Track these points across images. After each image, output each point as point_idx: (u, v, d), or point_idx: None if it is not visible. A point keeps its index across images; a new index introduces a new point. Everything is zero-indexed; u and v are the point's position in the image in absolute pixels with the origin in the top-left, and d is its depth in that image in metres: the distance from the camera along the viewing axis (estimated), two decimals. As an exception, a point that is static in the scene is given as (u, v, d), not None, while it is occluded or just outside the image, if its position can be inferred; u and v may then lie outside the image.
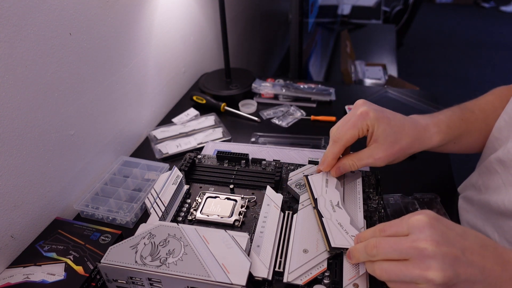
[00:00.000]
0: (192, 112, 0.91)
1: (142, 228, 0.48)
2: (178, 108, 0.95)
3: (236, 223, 0.53)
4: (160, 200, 0.54)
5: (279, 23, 2.07)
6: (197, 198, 0.58)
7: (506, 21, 3.80)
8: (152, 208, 0.52)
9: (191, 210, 0.56)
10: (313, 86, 0.94)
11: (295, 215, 0.52)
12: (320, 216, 0.49)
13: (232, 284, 0.40)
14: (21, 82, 0.51)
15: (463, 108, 0.56)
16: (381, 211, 0.54)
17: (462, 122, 0.54)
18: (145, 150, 0.81)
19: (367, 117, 0.48)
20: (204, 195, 0.58)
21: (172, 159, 0.76)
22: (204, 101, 0.92)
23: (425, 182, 0.67)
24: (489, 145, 0.56)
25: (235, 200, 0.56)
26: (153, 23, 0.82)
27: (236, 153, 0.65)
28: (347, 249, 0.45)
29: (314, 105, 0.93)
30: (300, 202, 0.54)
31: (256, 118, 0.88)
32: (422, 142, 0.51)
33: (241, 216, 0.54)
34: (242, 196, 0.57)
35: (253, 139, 0.78)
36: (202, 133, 0.81)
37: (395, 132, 0.48)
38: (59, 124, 0.59)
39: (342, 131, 0.49)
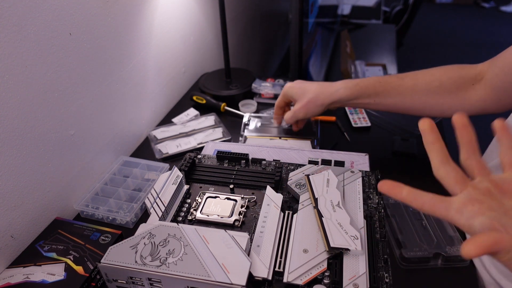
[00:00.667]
0: (192, 112, 0.91)
1: (142, 228, 0.48)
2: (178, 108, 0.95)
3: (236, 223, 0.53)
4: (160, 200, 0.54)
5: (279, 23, 2.07)
6: (197, 198, 0.58)
7: (506, 21, 3.79)
8: (152, 208, 0.52)
9: (191, 210, 0.56)
10: (313, 86, 0.94)
11: (295, 215, 0.52)
12: (320, 216, 0.49)
13: (232, 284, 0.40)
14: (21, 82, 0.51)
15: (394, 75, 0.66)
16: (381, 211, 0.54)
17: (379, 84, 0.64)
18: (145, 150, 0.81)
19: (285, 88, 0.72)
20: (204, 195, 0.58)
21: (172, 159, 0.76)
22: (204, 101, 0.92)
23: (425, 182, 0.67)
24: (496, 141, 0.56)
25: (235, 200, 0.56)
26: (153, 23, 0.82)
27: (236, 153, 0.65)
28: (346, 249, 0.45)
29: (314, 105, 0.93)
30: (300, 202, 0.54)
31: (256, 118, 0.88)
32: (328, 95, 0.66)
33: (241, 216, 0.54)
34: (242, 196, 0.57)
35: (240, 139, 0.79)
36: (202, 133, 0.81)
37: (303, 92, 0.69)
38: (59, 124, 0.59)
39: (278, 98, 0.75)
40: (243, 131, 0.81)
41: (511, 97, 0.57)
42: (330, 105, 0.68)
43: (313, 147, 0.74)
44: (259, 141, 0.77)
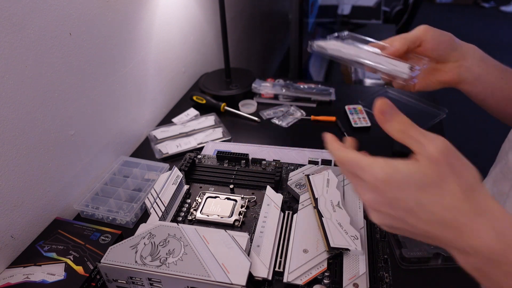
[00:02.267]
0: (192, 112, 0.91)
1: (142, 228, 0.48)
2: (178, 108, 0.95)
3: (236, 223, 0.53)
4: (160, 200, 0.54)
5: (279, 23, 2.07)
6: (197, 198, 0.58)
7: (506, 21, 3.79)
8: (152, 208, 0.52)
9: (191, 210, 0.56)
10: (313, 86, 0.94)
11: (295, 215, 0.52)
12: (320, 216, 0.49)
13: (232, 284, 0.40)
14: (21, 82, 0.51)
15: None
16: (381, 211, 0.54)
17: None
18: (145, 150, 0.81)
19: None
20: (204, 195, 0.58)
21: (172, 159, 0.76)
22: (204, 101, 0.92)
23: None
24: (504, 146, 0.54)
25: (235, 200, 0.56)
26: (153, 23, 0.82)
27: (236, 153, 0.65)
28: (346, 249, 0.45)
29: (314, 105, 0.93)
30: (300, 202, 0.54)
31: (256, 118, 0.88)
32: (460, 41, 0.52)
33: (241, 216, 0.54)
34: (242, 196, 0.57)
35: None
36: (202, 133, 0.81)
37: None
38: (59, 124, 0.59)
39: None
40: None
41: None
42: (457, 50, 0.52)
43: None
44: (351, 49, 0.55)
